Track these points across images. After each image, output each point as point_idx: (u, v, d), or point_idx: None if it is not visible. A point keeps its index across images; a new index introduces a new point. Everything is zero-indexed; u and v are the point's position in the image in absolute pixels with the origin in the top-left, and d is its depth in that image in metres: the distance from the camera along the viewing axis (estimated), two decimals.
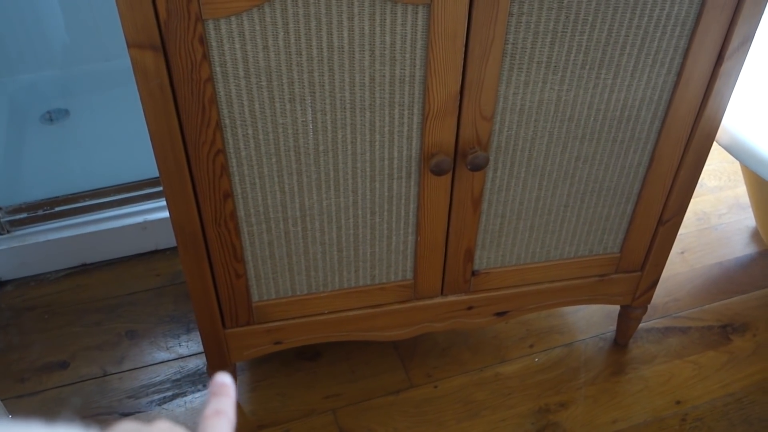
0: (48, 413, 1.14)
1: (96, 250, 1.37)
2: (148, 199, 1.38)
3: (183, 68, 0.72)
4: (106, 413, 1.14)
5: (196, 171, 0.81)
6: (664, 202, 1.01)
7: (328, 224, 0.91)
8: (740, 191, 1.60)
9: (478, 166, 0.86)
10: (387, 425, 1.13)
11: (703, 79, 0.87)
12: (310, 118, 0.80)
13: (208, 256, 0.90)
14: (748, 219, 1.53)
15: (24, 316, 1.29)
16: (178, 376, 1.19)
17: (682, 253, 1.45)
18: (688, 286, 1.38)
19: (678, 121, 0.91)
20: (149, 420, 0.36)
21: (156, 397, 1.16)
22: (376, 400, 1.16)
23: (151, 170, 1.34)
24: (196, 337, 1.25)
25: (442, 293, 1.04)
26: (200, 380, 1.19)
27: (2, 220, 1.32)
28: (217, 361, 1.04)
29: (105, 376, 1.19)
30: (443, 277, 1.02)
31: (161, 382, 1.19)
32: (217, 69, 0.74)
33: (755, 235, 1.49)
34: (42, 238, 1.33)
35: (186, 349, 1.24)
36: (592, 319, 1.30)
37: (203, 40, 0.71)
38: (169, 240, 1.40)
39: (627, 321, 1.21)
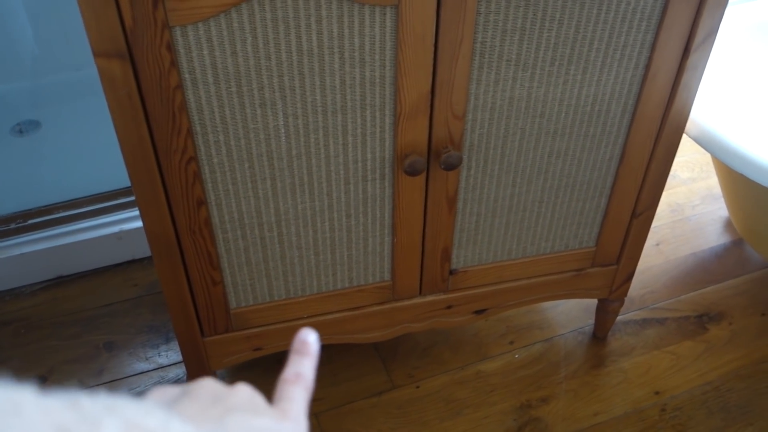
0: None
1: (71, 262, 1.36)
2: (123, 209, 1.37)
3: (151, 76, 0.72)
4: None
5: (168, 179, 0.80)
6: (636, 195, 1.02)
7: (303, 228, 0.91)
8: (713, 182, 1.62)
9: (452, 166, 0.87)
10: (370, 427, 1.13)
11: (671, 72, 0.89)
12: (282, 123, 0.80)
13: (184, 264, 0.89)
14: (721, 209, 1.55)
15: (0, 331, 1.28)
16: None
17: (657, 244, 1.47)
18: (663, 277, 1.40)
19: (647, 115, 0.92)
20: (230, 384, 0.34)
21: None
22: (358, 402, 1.16)
23: (125, 179, 1.33)
24: (176, 346, 1.24)
25: (420, 293, 1.05)
26: None
27: None
28: (196, 369, 1.03)
29: (83, 389, 1.18)
30: (421, 277, 1.02)
31: (141, 393, 1.17)
32: (186, 76, 0.73)
33: (728, 225, 1.51)
34: (16, 252, 1.31)
35: (165, 358, 1.23)
36: (570, 314, 1.31)
37: (171, 47, 0.70)
38: (145, 249, 1.39)
39: (605, 314, 1.22)
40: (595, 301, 1.26)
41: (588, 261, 1.09)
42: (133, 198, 1.37)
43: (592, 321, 1.29)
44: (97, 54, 0.69)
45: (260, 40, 0.72)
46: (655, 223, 1.49)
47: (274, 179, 0.85)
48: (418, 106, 0.82)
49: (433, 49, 0.78)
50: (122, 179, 1.36)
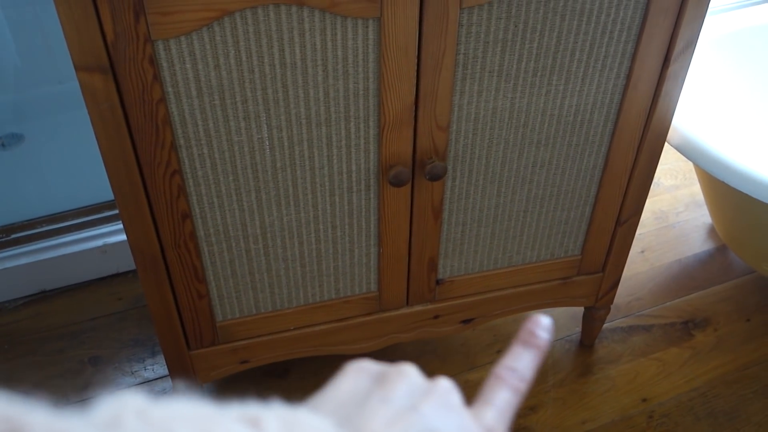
0: None
1: (55, 276, 1.35)
2: (107, 222, 1.36)
3: (134, 90, 0.71)
4: None
5: (152, 193, 0.80)
6: (620, 203, 1.03)
7: (289, 240, 0.91)
8: (696, 189, 1.64)
9: (437, 176, 0.87)
10: None
11: (652, 81, 0.89)
12: (266, 135, 0.80)
13: (169, 277, 0.89)
14: (704, 216, 1.56)
15: None
16: None
17: (642, 252, 1.47)
18: (649, 284, 1.40)
19: (629, 124, 0.93)
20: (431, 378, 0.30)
21: None
22: None
23: (109, 193, 1.32)
24: (162, 360, 1.23)
25: (407, 304, 1.05)
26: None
27: None
28: (183, 383, 1.02)
29: (68, 405, 1.17)
30: (408, 288, 1.02)
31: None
32: (169, 89, 0.73)
33: (712, 232, 1.53)
34: None
35: (152, 372, 1.22)
36: (557, 322, 1.32)
37: (153, 61, 0.70)
38: (129, 263, 1.38)
39: (591, 322, 1.23)
40: (581, 309, 1.27)
41: (574, 269, 1.10)
42: (117, 211, 1.36)
43: (578, 329, 1.29)
44: (78, 68, 0.69)
45: (243, 53, 0.73)
46: (639, 231, 1.49)
47: (258, 191, 0.84)
48: (402, 117, 0.82)
49: (416, 60, 0.78)
50: (106, 192, 1.34)
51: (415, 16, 0.74)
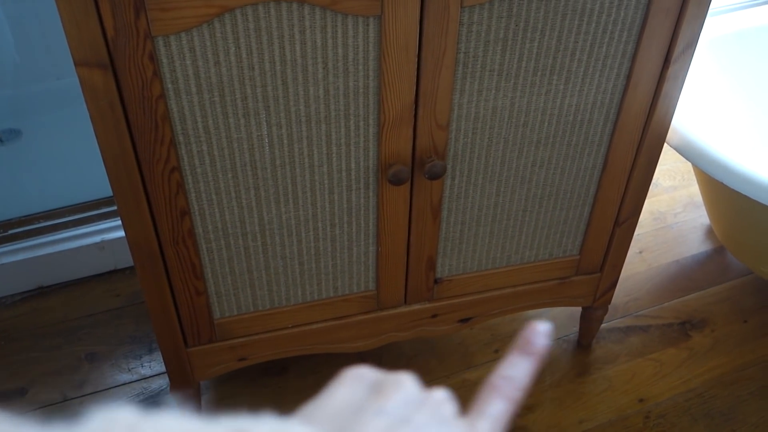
0: None
1: (53, 272, 1.34)
2: (105, 219, 1.36)
3: (133, 86, 0.71)
4: None
5: (151, 189, 0.80)
6: (619, 204, 1.03)
7: (288, 238, 0.91)
8: (694, 190, 1.64)
9: (436, 175, 0.87)
10: None
11: (652, 82, 0.89)
12: (266, 133, 0.80)
13: (167, 274, 0.88)
14: (702, 217, 1.56)
15: None
16: (142, 398, 1.17)
17: (640, 252, 1.48)
18: (647, 285, 1.41)
19: (629, 124, 0.93)
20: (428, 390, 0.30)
21: None
22: None
23: (108, 189, 1.32)
24: (159, 357, 1.23)
25: (405, 302, 1.05)
26: (164, 401, 1.17)
27: None
28: (180, 380, 1.02)
29: (65, 401, 1.16)
30: (406, 286, 1.02)
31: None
32: (169, 86, 0.73)
33: (710, 233, 1.53)
34: None
35: (149, 369, 1.22)
36: (555, 322, 1.32)
37: (153, 57, 0.70)
38: (128, 259, 1.38)
39: (589, 322, 1.23)
40: (579, 309, 1.27)
41: (572, 269, 1.10)
42: (115, 207, 1.36)
43: (576, 329, 1.29)
44: (78, 63, 0.68)
45: (243, 50, 0.72)
46: (637, 231, 1.50)
47: (257, 189, 0.84)
48: (401, 115, 0.82)
49: (416, 59, 0.78)
50: (104, 188, 1.34)
51: (416, 15, 0.74)
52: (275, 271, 0.94)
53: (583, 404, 1.18)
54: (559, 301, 1.15)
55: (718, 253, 1.48)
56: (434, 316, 1.08)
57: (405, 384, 0.29)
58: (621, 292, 1.37)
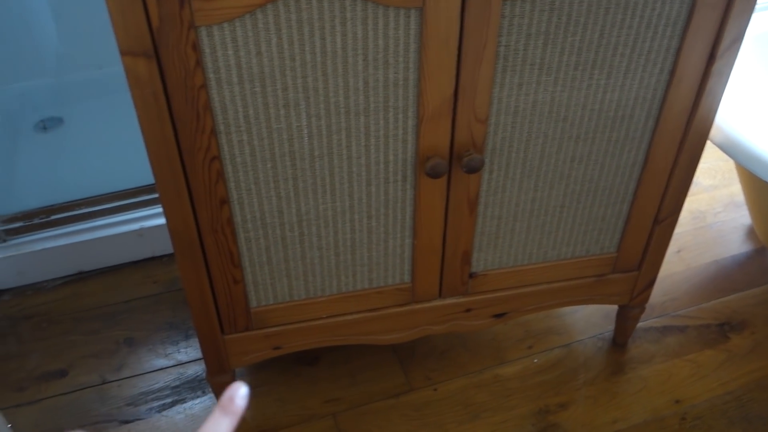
0: (47, 422, 1.13)
1: (93, 258, 1.37)
2: (144, 206, 1.38)
3: (177, 75, 0.72)
4: (105, 421, 1.13)
5: (192, 178, 0.81)
6: (659, 202, 1.01)
7: (324, 229, 0.91)
8: (735, 189, 1.60)
9: (474, 169, 0.87)
10: (387, 429, 1.13)
11: (696, 78, 0.88)
12: (305, 123, 0.80)
13: (206, 262, 0.90)
14: (743, 217, 1.53)
15: (22, 325, 1.29)
16: (177, 383, 1.19)
17: (679, 252, 1.45)
18: (685, 284, 1.38)
19: (672, 120, 0.91)
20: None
21: (155, 404, 1.16)
22: (375, 403, 1.16)
23: (147, 177, 1.34)
24: (195, 343, 1.25)
25: (440, 296, 1.05)
26: (199, 386, 1.19)
27: None
28: (216, 367, 1.04)
29: (103, 384, 1.19)
30: (441, 280, 1.02)
31: (160, 389, 1.18)
32: (211, 75, 0.74)
33: (751, 233, 1.49)
34: (38, 247, 1.33)
35: (185, 355, 1.24)
36: (590, 320, 1.30)
37: (196, 47, 0.71)
38: (165, 246, 1.40)
39: (625, 321, 1.21)
40: (614, 308, 1.25)
41: (609, 267, 1.09)
42: (154, 195, 1.38)
43: (611, 327, 1.28)
44: (123, 52, 0.69)
45: (285, 41, 0.73)
46: (676, 230, 1.47)
47: (296, 179, 0.85)
48: (440, 109, 0.82)
49: (456, 52, 0.78)
50: (143, 176, 1.37)
51: (458, 7, 0.74)
52: (311, 261, 0.94)
53: (617, 404, 1.17)
54: (595, 299, 1.14)
55: (759, 254, 1.45)
56: (468, 310, 1.08)
57: None
58: (658, 292, 1.35)
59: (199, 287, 0.92)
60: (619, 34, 0.81)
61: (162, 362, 1.22)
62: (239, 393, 0.36)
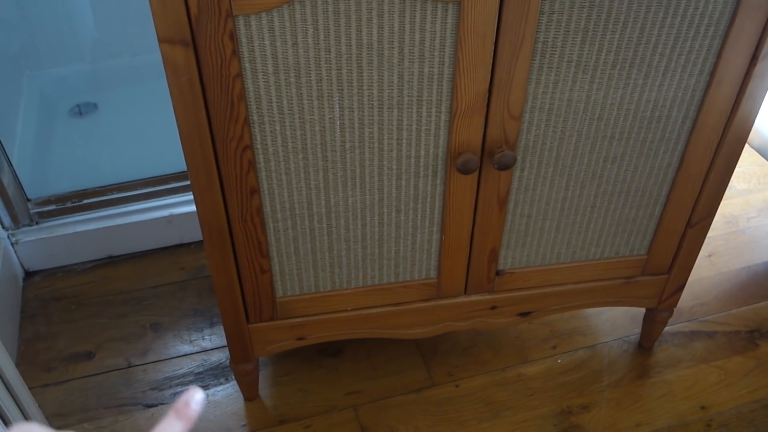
0: (73, 402, 1.15)
1: (122, 243, 1.39)
2: (174, 193, 1.40)
3: (213, 64, 0.72)
4: (130, 404, 1.15)
5: (223, 166, 0.81)
6: (693, 205, 0.99)
7: (353, 221, 0.91)
8: None
9: (506, 166, 0.86)
10: (408, 423, 1.13)
11: (736, 80, 0.86)
12: (338, 115, 0.80)
13: (234, 251, 0.90)
14: None
15: (51, 306, 1.31)
16: (201, 369, 1.20)
17: (710, 256, 1.43)
18: (715, 290, 1.36)
19: (709, 123, 0.90)
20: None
21: (179, 389, 1.17)
22: (397, 397, 1.16)
23: (178, 164, 1.35)
24: (220, 330, 1.26)
25: (465, 292, 1.04)
26: (222, 374, 1.20)
27: (31, 211, 1.34)
28: (239, 355, 1.04)
29: (129, 367, 1.21)
30: (467, 277, 1.02)
31: (184, 375, 1.20)
32: (247, 65, 0.74)
33: None
34: (70, 230, 1.35)
35: (209, 342, 1.25)
36: (616, 322, 1.29)
37: (233, 36, 0.71)
38: (193, 234, 1.41)
39: (652, 324, 1.20)
40: (641, 310, 1.24)
41: (638, 269, 1.07)
42: (184, 183, 1.40)
43: (638, 330, 1.27)
44: (162, 40, 0.70)
45: (321, 33, 0.73)
46: (708, 234, 1.45)
47: (326, 171, 0.85)
48: (474, 104, 0.81)
49: (493, 47, 0.77)
50: (174, 164, 1.38)
51: (496, 2, 0.73)
52: (338, 253, 0.95)
53: (641, 407, 1.16)
54: (623, 301, 1.12)
55: None
56: (493, 308, 1.07)
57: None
58: (687, 296, 1.33)
59: (227, 275, 0.92)
60: (660, 33, 0.80)
61: (187, 348, 1.24)
62: (195, 398, 0.36)
